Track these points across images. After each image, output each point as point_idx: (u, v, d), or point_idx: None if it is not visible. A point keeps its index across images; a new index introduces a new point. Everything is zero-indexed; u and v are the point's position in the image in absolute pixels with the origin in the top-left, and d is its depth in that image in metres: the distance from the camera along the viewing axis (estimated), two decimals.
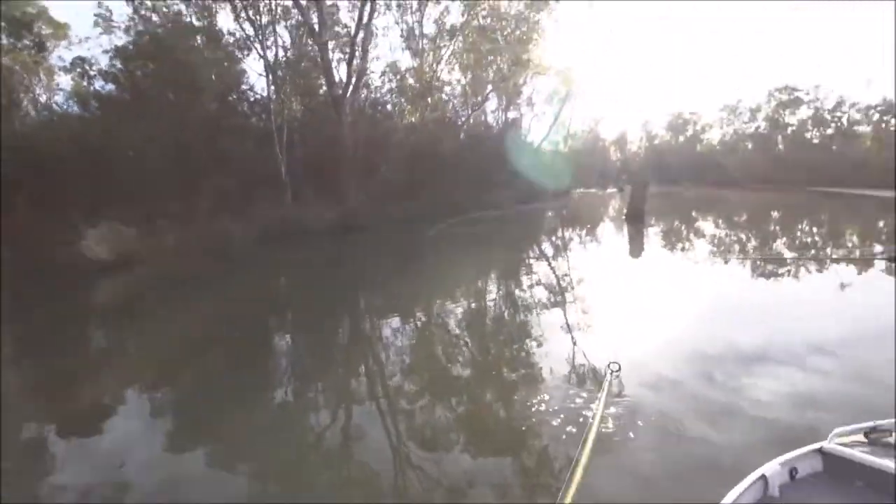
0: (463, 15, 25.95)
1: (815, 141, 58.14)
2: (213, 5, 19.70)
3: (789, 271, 10.35)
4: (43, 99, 18.97)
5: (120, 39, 18.82)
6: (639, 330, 6.17)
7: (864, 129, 55.24)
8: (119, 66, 17.80)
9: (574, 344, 5.75)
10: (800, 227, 19.54)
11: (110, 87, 18.10)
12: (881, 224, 19.10)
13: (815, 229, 18.70)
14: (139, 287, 10.78)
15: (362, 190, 19.35)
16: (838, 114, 56.82)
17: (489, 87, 28.92)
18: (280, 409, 4.53)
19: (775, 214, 24.89)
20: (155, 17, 19.51)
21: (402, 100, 25.73)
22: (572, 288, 9.15)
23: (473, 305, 8.03)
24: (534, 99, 33.95)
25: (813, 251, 12.76)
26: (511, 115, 33.26)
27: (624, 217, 20.41)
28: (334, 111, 19.44)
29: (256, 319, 7.79)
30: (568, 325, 6.56)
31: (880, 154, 47.62)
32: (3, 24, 16.73)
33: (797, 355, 5.16)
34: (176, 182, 14.70)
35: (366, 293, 9.84)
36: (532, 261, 12.48)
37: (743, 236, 16.59)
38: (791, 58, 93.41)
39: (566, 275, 10.39)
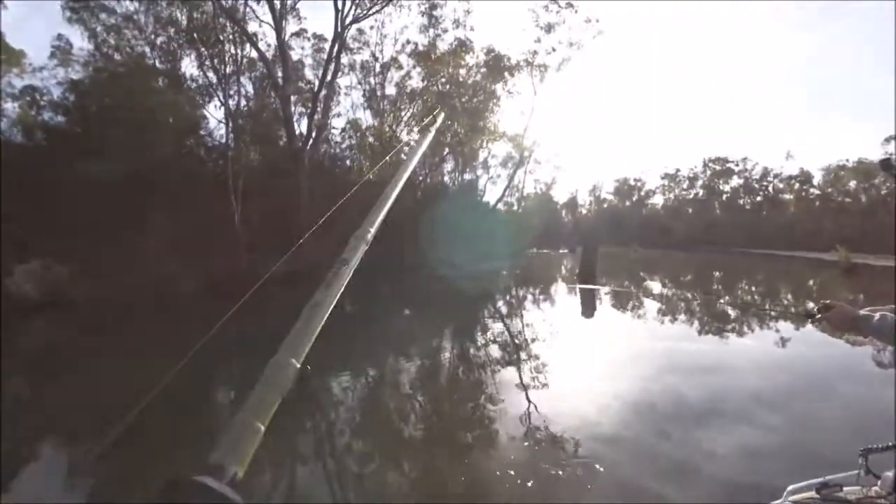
0: (423, 80, 27.28)
1: (748, 207, 63.22)
2: (178, 51, 19.90)
3: (733, 328, 10.74)
4: None
5: (77, 73, 18.56)
6: (593, 387, 6.09)
7: (788, 196, 60.87)
8: (73, 99, 17.35)
9: (529, 402, 5.58)
10: (739, 286, 20.58)
11: (60, 119, 17.59)
12: (811, 282, 20.39)
13: (753, 288, 19.72)
14: (52, 333, 9.84)
15: (318, 243, 19.03)
16: (765, 182, 62.44)
17: (446, 149, 29.95)
18: None
19: (717, 274, 26.19)
20: (117, 56, 19.42)
21: (361, 157, 26.20)
22: (527, 346, 9.06)
23: (426, 363, 7.76)
24: (489, 162, 35.38)
25: (753, 308, 13.36)
26: (467, 176, 34.36)
27: (576, 277, 20.88)
28: (293, 163, 19.44)
29: (172, 396, 7.17)
30: (522, 384, 6.41)
31: (804, 218, 52.62)
32: None
33: (746, 410, 5.21)
34: (122, 223, 13.93)
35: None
36: (488, 319, 12.40)
37: (689, 295, 17.24)
38: (721, 128, 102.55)
39: (520, 333, 10.33)
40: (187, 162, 18.55)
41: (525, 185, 43.43)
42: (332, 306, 0.72)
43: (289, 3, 20.41)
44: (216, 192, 17.42)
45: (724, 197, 65.64)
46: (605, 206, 72.02)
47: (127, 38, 19.93)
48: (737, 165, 64.09)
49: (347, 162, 26.18)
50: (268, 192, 19.53)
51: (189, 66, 20.69)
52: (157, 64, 19.80)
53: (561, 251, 49.48)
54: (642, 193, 71.68)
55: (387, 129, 26.66)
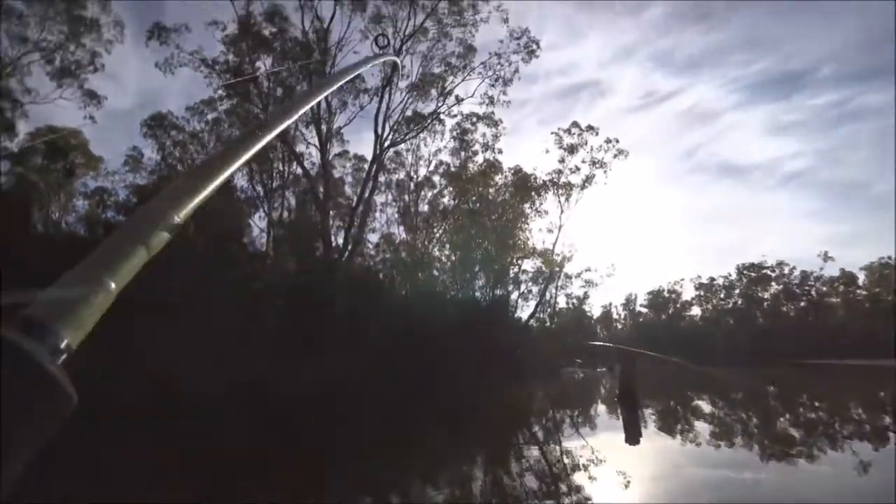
0: (454, 199, 28.81)
1: (792, 314, 60.20)
2: None
3: (801, 451, 9.54)
4: (55, 216, 20.01)
5: (143, 179, 20.72)
6: None
7: (834, 300, 57.99)
8: (135, 201, 18.97)
9: None
10: (800, 407, 18.79)
11: (120, 218, 19.07)
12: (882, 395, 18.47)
13: (817, 404, 17.95)
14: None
15: (349, 356, 18.67)
16: (806, 287, 60.02)
17: (477, 266, 30.47)
18: None
19: (771, 393, 24.14)
20: (179, 167, 21.71)
21: (394, 271, 26.84)
22: (567, 477, 8.16)
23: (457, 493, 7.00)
24: (520, 277, 35.54)
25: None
26: (498, 292, 34.35)
27: (616, 398, 19.54)
28: (328, 274, 19.97)
29: None
30: None
31: (854, 322, 49.41)
32: (43, 147, 18.68)
33: None
34: (154, 323, 14.06)
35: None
36: (523, 446, 11.43)
37: (744, 416, 15.76)
38: (749, 231, 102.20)
39: (559, 462, 9.39)
40: (228, 268, 19.24)
41: (557, 301, 43.05)
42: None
43: (333, 128, 22.71)
44: (252, 297, 17.85)
45: (765, 304, 63.00)
46: (641, 319, 69.98)
47: (190, 152, 22.69)
48: (773, 271, 62.35)
49: (381, 275, 26.78)
50: (302, 300, 19.85)
51: (240, 178, 22.88)
52: None
53: (598, 370, 47.21)
54: (678, 305, 69.66)
55: (419, 245, 27.61)
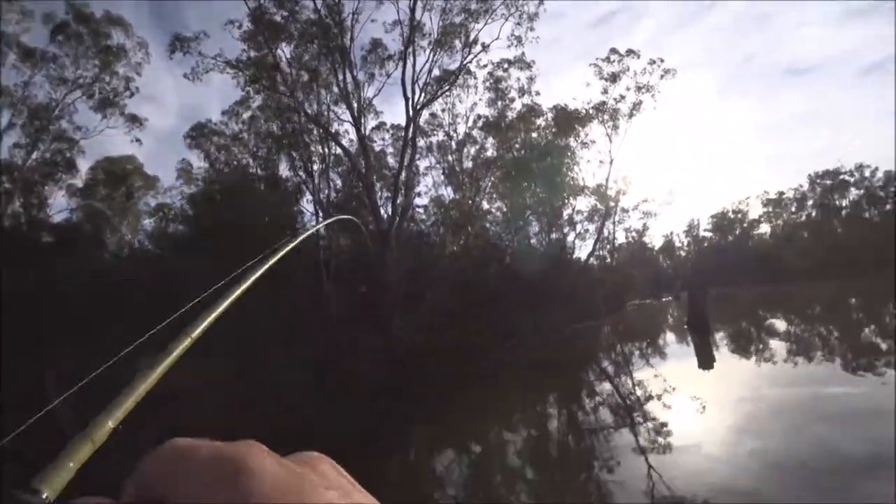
0: (497, 150, 28.48)
1: (876, 219, 55.57)
2: (275, 157, 23.13)
3: (890, 361, 9.22)
4: (128, 238, 22.20)
5: (196, 187, 22.20)
6: (720, 452, 5.48)
7: None
8: (189, 210, 20.42)
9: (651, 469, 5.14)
10: (885, 316, 17.81)
11: (182, 228, 20.67)
12: None
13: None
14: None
15: (409, 320, 19.52)
16: (892, 188, 55.01)
17: (528, 212, 30.17)
18: None
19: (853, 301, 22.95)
20: (226, 169, 23.02)
21: (446, 230, 27.23)
22: (640, 407, 8.40)
23: (535, 438, 7.47)
24: (575, 218, 34.88)
25: None
26: (554, 236, 33.99)
27: (685, 326, 19.36)
28: (380, 244, 20.66)
29: None
30: (641, 448, 5.93)
31: None
32: (103, 176, 20.36)
33: None
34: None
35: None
36: (597, 383, 11.76)
37: (823, 330, 15.22)
38: (823, 140, 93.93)
39: (631, 394, 9.64)
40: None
41: (615, 237, 42.07)
42: (159, 375, 0.75)
43: (364, 101, 22.83)
44: (310, 277, 19.01)
45: (844, 213, 58.50)
46: (705, 244, 67.21)
47: (234, 154, 23.78)
48: (851, 176, 57.41)
49: (433, 237, 27.26)
50: (357, 273, 20.83)
51: (284, 169, 23.80)
52: (259, 171, 23.04)
53: (664, 299, 46.38)
54: (744, 225, 66.06)
55: (468, 201, 27.69)
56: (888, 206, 55.24)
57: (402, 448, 8.09)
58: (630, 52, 28.87)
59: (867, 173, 56.47)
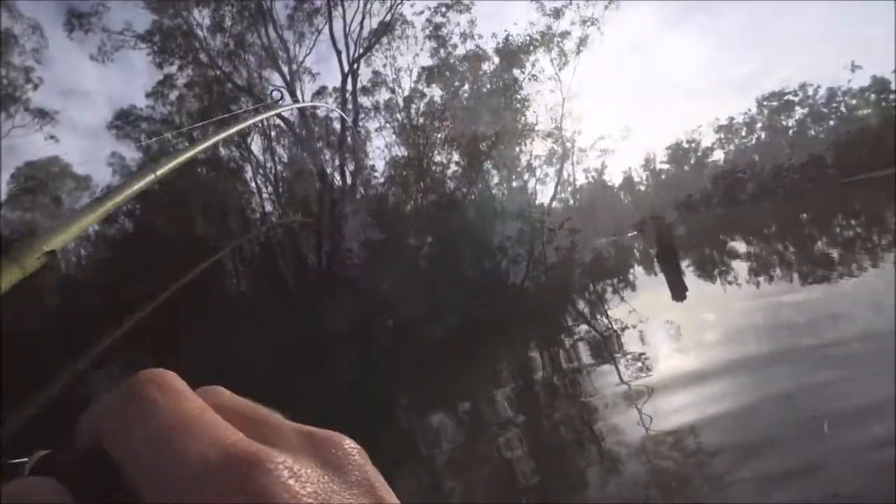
0: (444, 100, 27.84)
1: (822, 136, 57.78)
2: (212, 135, 21.87)
3: (841, 271, 9.73)
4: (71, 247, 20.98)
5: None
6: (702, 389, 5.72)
7: (865, 111, 55.00)
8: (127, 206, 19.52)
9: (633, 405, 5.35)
10: (835, 228, 18.78)
11: (126, 223, 19.88)
12: None
13: (853, 222, 17.94)
14: None
15: (374, 288, 19.37)
16: (833, 105, 57.08)
17: (486, 161, 29.87)
18: None
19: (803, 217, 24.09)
20: (162, 158, 21.62)
21: (401, 189, 26.78)
22: (619, 342, 8.67)
23: (505, 391, 7.66)
24: (533, 163, 34.83)
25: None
26: (515, 184, 33.97)
27: (654, 257, 19.96)
28: (332, 215, 20.20)
29: None
30: (623, 381, 6.17)
31: (889, 131, 47.25)
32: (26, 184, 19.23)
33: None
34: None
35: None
36: (570, 322, 12.08)
37: (782, 248, 15.94)
38: (768, 63, 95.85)
39: (609, 329, 9.94)
40: (231, 238, 19.55)
41: (576, 178, 42.44)
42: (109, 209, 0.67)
43: (297, 64, 21.54)
44: (264, 260, 18.52)
45: (791, 133, 60.58)
46: (663, 177, 68.84)
47: (168, 140, 22.06)
48: (795, 95, 59.11)
49: (390, 198, 26.76)
50: (314, 248, 20.28)
51: (222, 147, 22.26)
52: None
53: (629, 235, 47.63)
54: (699, 154, 67.79)
55: (424, 159, 27.17)
56: (832, 122, 57.48)
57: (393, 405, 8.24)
58: None
59: (810, 91, 58.20)
